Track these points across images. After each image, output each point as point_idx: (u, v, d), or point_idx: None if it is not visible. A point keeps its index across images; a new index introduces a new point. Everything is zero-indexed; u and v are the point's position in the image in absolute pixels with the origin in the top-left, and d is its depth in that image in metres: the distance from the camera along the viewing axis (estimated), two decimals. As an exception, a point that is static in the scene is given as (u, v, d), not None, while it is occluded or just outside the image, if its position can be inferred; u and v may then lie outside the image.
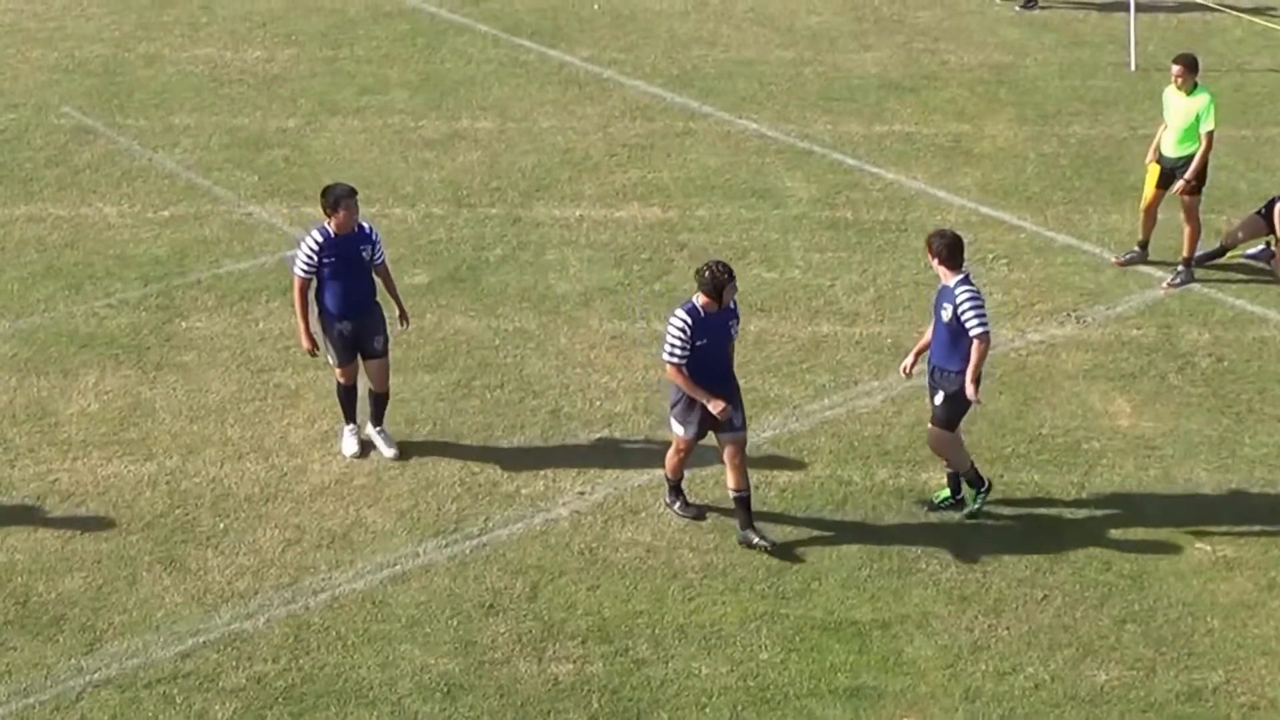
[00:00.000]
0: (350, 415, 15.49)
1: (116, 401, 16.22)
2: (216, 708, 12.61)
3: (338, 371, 15.35)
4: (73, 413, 16.04)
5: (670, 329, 13.90)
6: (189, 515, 14.65)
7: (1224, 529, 14.54)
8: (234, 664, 13.00)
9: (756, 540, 14.19)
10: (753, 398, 16.19)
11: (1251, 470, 15.31)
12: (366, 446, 15.45)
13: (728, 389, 14.09)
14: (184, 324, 17.55)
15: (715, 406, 13.86)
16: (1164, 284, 18.29)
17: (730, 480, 14.21)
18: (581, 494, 14.96)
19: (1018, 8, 26.66)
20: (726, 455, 14.16)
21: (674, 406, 14.23)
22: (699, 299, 13.96)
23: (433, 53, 24.68)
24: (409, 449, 15.42)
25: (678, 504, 14.66)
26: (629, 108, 22.80)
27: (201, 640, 13.23)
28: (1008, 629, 13.39)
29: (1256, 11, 26.31)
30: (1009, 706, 12.67)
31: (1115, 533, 14.49)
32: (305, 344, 15.16)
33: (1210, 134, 18.00)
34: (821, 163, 21.24)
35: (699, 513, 14.61)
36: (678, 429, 14.25)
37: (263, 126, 22.15)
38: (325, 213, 14.90)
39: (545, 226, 19.57)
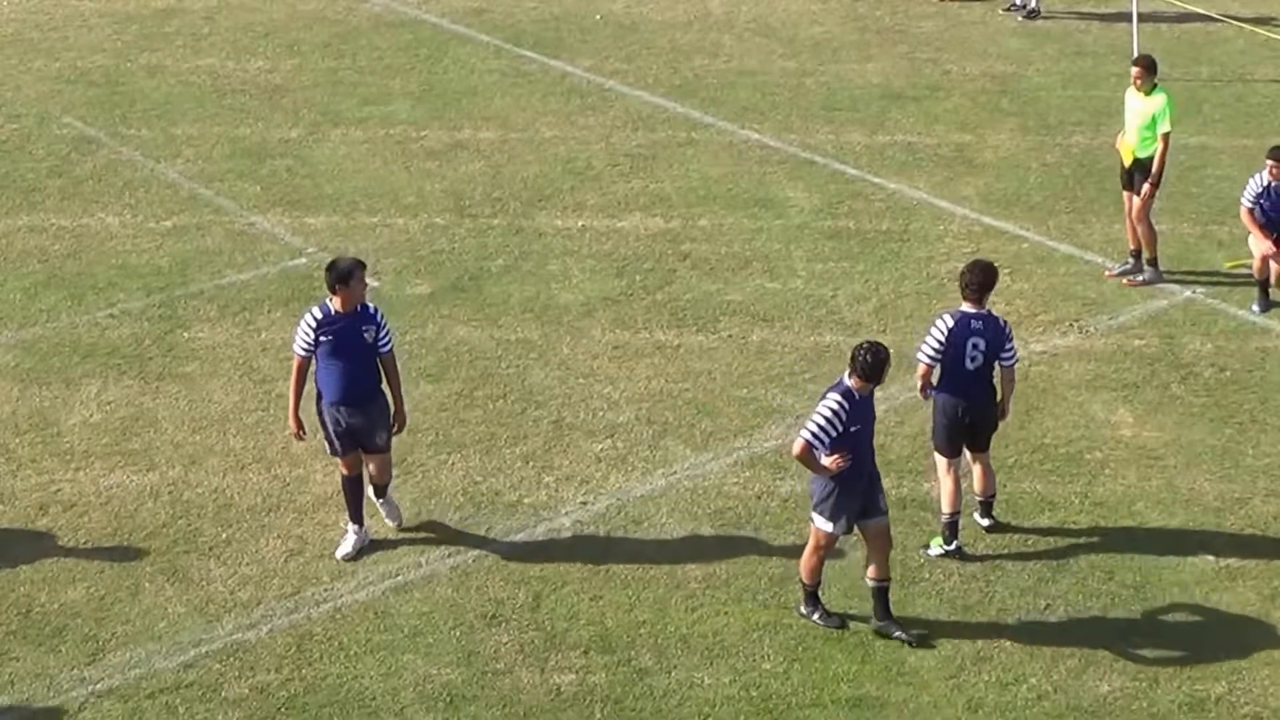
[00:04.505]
0: (356, 513, 14.23)
1: (119, 412, 16.22)
2: (219, 718, 12.59)
3: (339, 461, 14.15)
4: (75, 423, 16.03)
5: (821, 411, 12.81)
6: (191, 525, 14.64)
7: (1227, 539, 14.52)
8: (236, 674, 12.98)
9: (898, 633, 13.27)
10: (755, 408, 16.22)
11: (1254, 480, 15.29)
12: (364, 551, 14.29)
13: (873, 475, 13.16)
14: (186, 334, 17.55)
15: (836, 461, 12.84)
16: (1145, 282, 18.35)
17: (872, 570, 13.27)
18: (584, 504, 14.94)
19: (1020, 18, 26.71)
20: (874, 542, 13.24)
21: (821, 501, 13.10)
22: (851, 381, 12.85)
23: (435, 63, 24.71)
24: (411, 457, 15.42)
25: (817, 614, 13.44)
26: (631, 118, 22.81)
27: (204, 650, 13.21)
28: (1010, 639, 13.36)
29: (1259, 22, 26.34)
30: (1012, 717, 12.64)
31: (1118, 543, 14.46)
32: (291, 425, 14.11)
33: (1167, 135, 18.04)
34: (823, 173, 21.25)
35: (841, 622, 13.42)
36: (825, 525, 13.10)
37: (265, 137, 22.16)
38: (330, 289, 13.77)
39: (547, 236, 19.57)
